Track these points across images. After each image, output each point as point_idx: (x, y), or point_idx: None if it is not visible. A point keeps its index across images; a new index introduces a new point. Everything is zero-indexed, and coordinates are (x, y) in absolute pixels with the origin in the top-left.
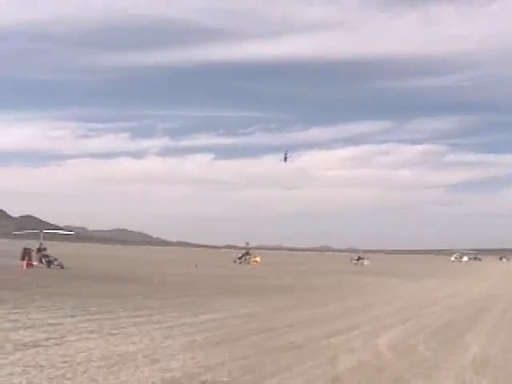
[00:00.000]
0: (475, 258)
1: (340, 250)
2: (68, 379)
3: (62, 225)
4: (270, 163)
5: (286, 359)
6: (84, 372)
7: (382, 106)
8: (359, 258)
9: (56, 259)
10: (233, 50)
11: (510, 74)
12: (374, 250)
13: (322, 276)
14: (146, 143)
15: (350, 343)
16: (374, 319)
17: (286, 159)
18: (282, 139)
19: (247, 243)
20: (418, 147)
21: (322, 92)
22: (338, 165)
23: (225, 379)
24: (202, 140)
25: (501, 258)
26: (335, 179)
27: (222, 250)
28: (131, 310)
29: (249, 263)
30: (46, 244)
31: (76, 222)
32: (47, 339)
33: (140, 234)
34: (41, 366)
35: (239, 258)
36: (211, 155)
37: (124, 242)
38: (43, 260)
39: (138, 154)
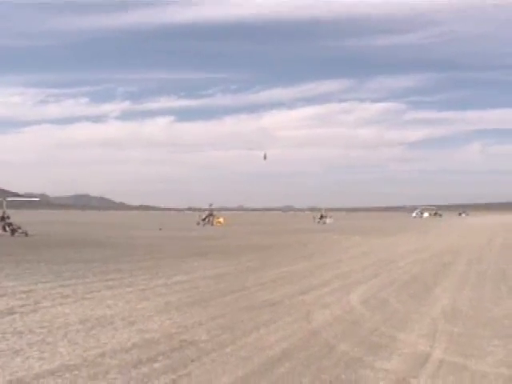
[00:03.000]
0: (436, 214)
1: (302, 210)
2: (48, 344)
3: (22, 192)
4: (232, 124)
5: (262, 316)
6: (64, 336)
7: (343, 65)
8: (322, 217)
9: (19, 227)
10: (193, 10)
11: (469, 31)
12: (336, 208)
13: (287, 235)
14: (106, 107)
15: (322, 299)
16: (344, 275)
17: (265, 158)
18: (243, 100)
19: (210, 204)
20: (379, 105)
21: (282, 52)
22: (300, 124)
23: (204, 338)
24: (162, 103)
25: (460, 214)
26: (297, 139)
27: (185, 212)
28: (102, 274)
29: (212, 224)
30: (8, 212)
31: (37, 189)
32: (22, 306)
33: (102, 199)
34: (19, 333)
35: (203, 220)
36: (172, 118)
37: (86, 208)
38: (7, 228)
39: (98, 119)
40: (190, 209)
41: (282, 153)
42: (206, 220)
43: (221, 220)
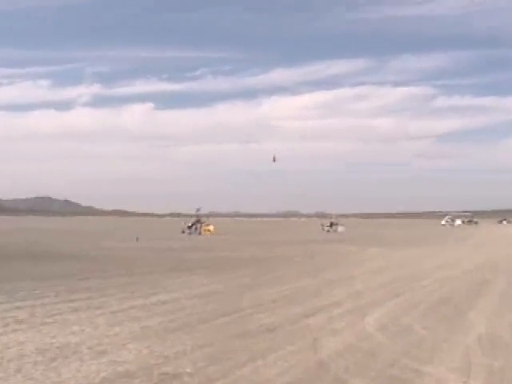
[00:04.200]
0: (470, 222)
1: (309, 215)
2: None
3: None
4: (224, 113)
5: (259, 344)
6: (17, 371)
7: (358, 41)
8: (332, 224)
9: None
10: None
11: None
12: (349, 214)
13: (290, 246)
14: (72, 92)
15: (332, 324)
16: (358, 295)
17: (274, 159)
18: (238, 84)
19: (198, 209)
20: (402, 90)
21: (285, 26)
22: (305, 113)
23: (189, 370)
24: (140, 86)
25: (500, 221)
26: (302, 130)
27: (167, 218)
28: (67, 293)
29: (200, 233)
30: None
31: None
32: None
33: (66, 202)
34: None
35: (189, 228)
36: (152, 105)
37: (47, 213)
38: None
39: (62, 106)
40: (173, 214)
41: (284, 147)
42: (193, 228)
43: (210, 228)
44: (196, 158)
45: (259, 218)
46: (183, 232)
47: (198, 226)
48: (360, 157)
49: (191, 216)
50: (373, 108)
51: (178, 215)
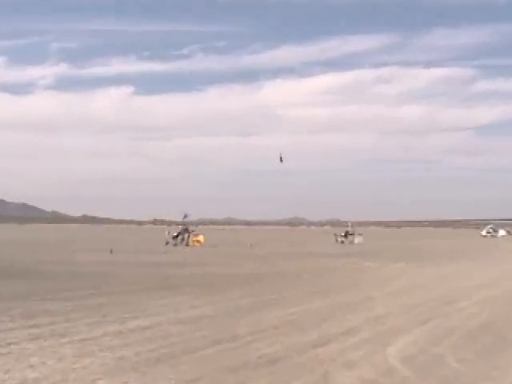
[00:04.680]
0: None
1: (319, 223)
2: None
3: None
4: (218, 99)
5: (258, 380)
6: None
7: (381, 13)
8: (347, 234)
9: None
10: None
11: None
12: (368, 221)
13: (296, 260)
14: (32, 72)
15: (347, 355)
16: (378, 320)
17: (281, 160)
18: (235, 64)
19: (185, 216)
20: (433, 72)
21: None
22: (316, 100)
23: None
24: (116, 66)
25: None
26: (312, 121)
27: (148, 226)
28: (25, 318)
29: (188, 245)
30: None
31: None
32: None
33: (24, 206)
34: None
35: (174, 238)
36: (131, 89)
37: (0, 219)
38: None
39: (19, 89)
40: (155, 222)
41: (290, 142)
42: (179, 238)
43: (200, 238)
44: (183, 155)
45: (259, 227)
46: (167, 243)
47: (186, 235)
48: (382, 153)
49: (177, 224)
50: (398, 94)
51: (162, 223)
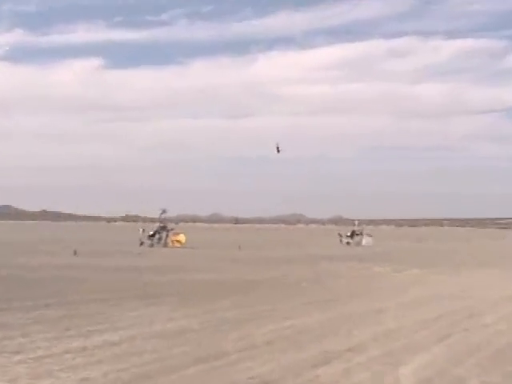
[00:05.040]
0: None
1: (321, 221)
2: None
3: None
4: (203, 74)
5: None
6: None
7: None
8: (354, 234)
9: None
10: None
11: None
12: (378, 219)
13: (293, 265)
14: None
15: (352, 376)
16: (389, 336)
17: (278, 150)
18: (223, 32)
19: (163, 211)
20: (457, 44)
21: None
22: (318, 75)
23: None
24: (82, 34)
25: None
26: (313, 100)
27: (119, 223)
28: None
29: (166, 245)
30: None
31: None
32: None
33: None
34: None
35: (150, 237)
36: (99, 61)
37: None
38: None
39: None
40: (128, 218)
41: (287, 124)
42: (156, 238)
43: (180, 238)
44: (162, 139)
45: (251, 225)
46: (142, 243)
47: (163, 234)
48: (395, 139)
49: (153, 221)
50: (415, 69)
51: (135, 219)
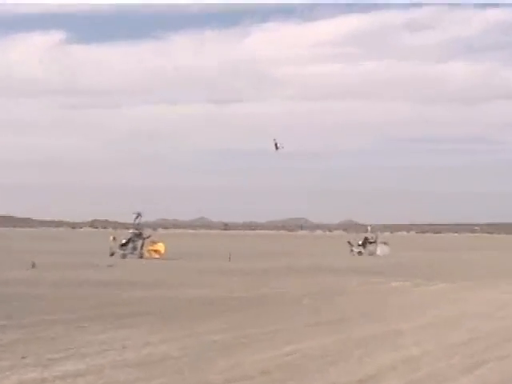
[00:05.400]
0: None
1: (327, 227)
2: None
3: None
4: (185, 50)
5: None
6: None
7: None
8: (367, 242)
9: None
10: None
11: None
12: (396, 224)
13: (294, 278)
14: None
15: None
16: (410, 364)
17: (277, 147)
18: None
19: (137, 215)
20: (491, 14)
21: None
22: (325, 52)
23: None
24: (38, 2)
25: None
26: (318, 83)
27: (86, 229)
28: None
29: (142, 256)
30: None
31: None
32: None
33: None
34: None
35: (123, 246)
36: (61, 35)
37: None
38: None
39: None
40: (96, 224)
41: (287, 112)
42: (130, 247)
43: (159, 247)
44: (135, 129)
45: (243, 231)
46: (113, 254)
47: (139, 243)
48: (417, 128)
49: (127, 227)
50: (441, 44)
51: (104, 225)
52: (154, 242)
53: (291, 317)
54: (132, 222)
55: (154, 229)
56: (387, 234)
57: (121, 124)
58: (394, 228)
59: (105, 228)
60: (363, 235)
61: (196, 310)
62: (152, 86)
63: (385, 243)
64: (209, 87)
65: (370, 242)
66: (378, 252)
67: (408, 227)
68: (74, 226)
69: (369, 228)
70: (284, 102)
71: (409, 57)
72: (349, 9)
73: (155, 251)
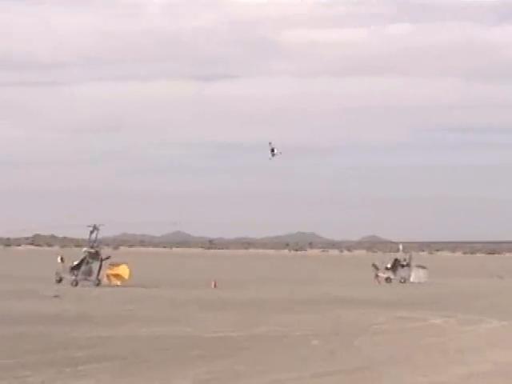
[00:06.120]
0: None
1: (345, 245)
2: None
3: None
4: (160, 9)
5: None
6: None
7: None
8: (397, 265)
9: None
10: None
11: None
12: (434, 242)
13: (300, 312)
14: None
15: None
16: None
17: (273, 152)
18: None
19: (94, 228)
20: None
21: None
22: (340, 13)
23: None
24: None
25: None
26: (335, 52)
27: (23, 247)
28: None
29: (99, 282)
30: None
31: None
32: None
33: None
34: None
35: (74, 269)
36: None
37: None
38: None
39: None
40: (38, 240)
41: (292, 91)
42: (83, 270)
43: (121, 271)
44: (93, 114)
45: (232, 250)
46: (60, 280)
47: (95, 266)
48: (463, 114)
49: (79, 244)
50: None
51: (50, 242)
52: (115, 265)
53: (295, 363)
54: (86, 237)
55: (115, 247)
56: (424, 254)
57: (72, 107)
58: (433, 247)
59: (50, 246)
60: (392, 256)
61: (170, 355)
62: (115, 57)
63: (421, 267)
64: (191, 58)
65: (402, 266)
66: (413, 278)
67: (452, 246)
68: (8, 242)
69: (400, 247)
70: (288, 78)
71: (455, 18)
72: None
73: (116, 276)
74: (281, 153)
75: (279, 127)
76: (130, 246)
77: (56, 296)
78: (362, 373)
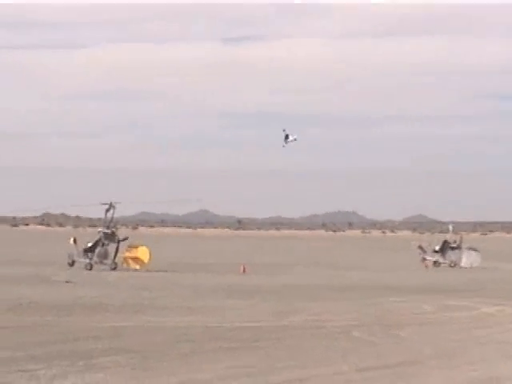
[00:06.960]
0: None
1: (386, 225)
2: None
3: None
4: None
5: None
6: None
7: None
8: (446, 248)
9: None
10: None
11: None
12: (488, 222)
13: (339, 301)
14: None
15: None
16: None
17: (287, 139)
18: None
19: (110, 207)
20: None
21: None
22: None
23: None
24: None
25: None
26: (370, 12)
27: (32, 227)
28: None
29: (116, 266)
30: None
31: None
32: None
33: None
34: None
35: (88, 252)
36: None
37: None
38: None
39: None
40: (47, 219)
41: (329, 55)
42: (98, 253)
43: (140, 254)
44: (103, 79)
45: (265, 231)
46: (73, 263)
47: (111, 248)
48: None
49: (93, 224)
50: None
51: (61, 222)
52: (134, 247)
53: (334, 357)
54: (101, 216)
55: (134, 227)
56: (476, 235)
57: (81, 73)
58: (486, 228)
59: (61, 226)
60: (441, 238)
61: (194, 348)
62: (127, 17)
63: (473, 249)
64: (214, 19)
65: (452, 248)
66: (464, 262)
67: (508, 226)
68: (15, 222)
69: (450, 227)
70: (324, 40)
71: None
72: None
73: (135, 259)
74: (295, 139)
75: (286, 127)
76: (150, 226)
77: (68, 281)
78: (407, 368)
